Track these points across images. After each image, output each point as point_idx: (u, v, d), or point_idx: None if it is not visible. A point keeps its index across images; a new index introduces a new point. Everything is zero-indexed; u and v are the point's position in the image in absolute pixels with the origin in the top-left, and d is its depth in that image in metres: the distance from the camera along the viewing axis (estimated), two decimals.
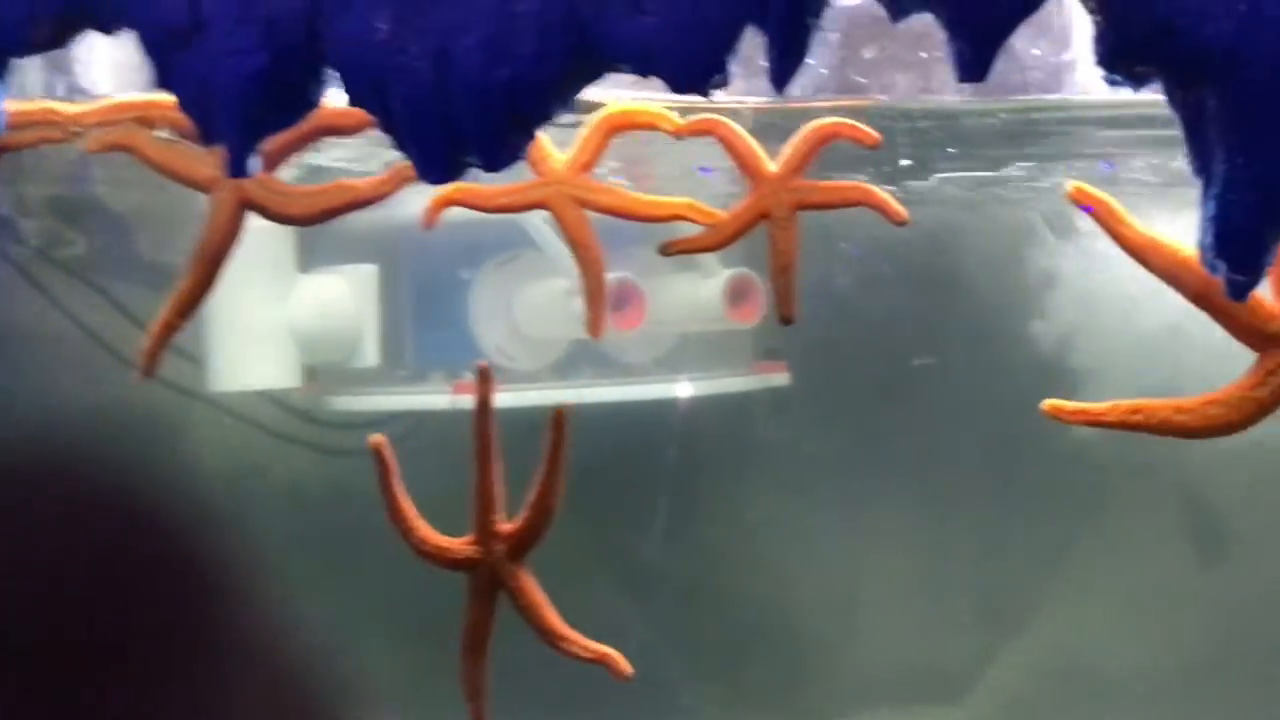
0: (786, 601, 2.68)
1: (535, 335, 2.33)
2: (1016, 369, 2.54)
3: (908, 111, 1.52)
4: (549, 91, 0.76)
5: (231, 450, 2.38)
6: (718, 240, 1.03)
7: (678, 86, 0.73)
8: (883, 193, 0.98)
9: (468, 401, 2.24)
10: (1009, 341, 2.58)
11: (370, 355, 2.23)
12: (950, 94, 1.44)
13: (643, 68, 0.74)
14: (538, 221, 2.17)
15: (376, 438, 1.07)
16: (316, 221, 1.10)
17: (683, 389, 2.38)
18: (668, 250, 1.04)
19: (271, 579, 2.32)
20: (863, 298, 2.56)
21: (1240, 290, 0.77)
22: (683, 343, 2.38)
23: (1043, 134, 1.76)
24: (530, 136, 0.78)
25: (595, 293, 1.07)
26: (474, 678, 1.05)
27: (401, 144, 0.80)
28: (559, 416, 1.06)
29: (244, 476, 2.42)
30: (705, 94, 0.73)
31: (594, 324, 1.09)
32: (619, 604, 2.64)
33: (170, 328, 1.08)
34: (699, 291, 2.32)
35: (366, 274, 2.23)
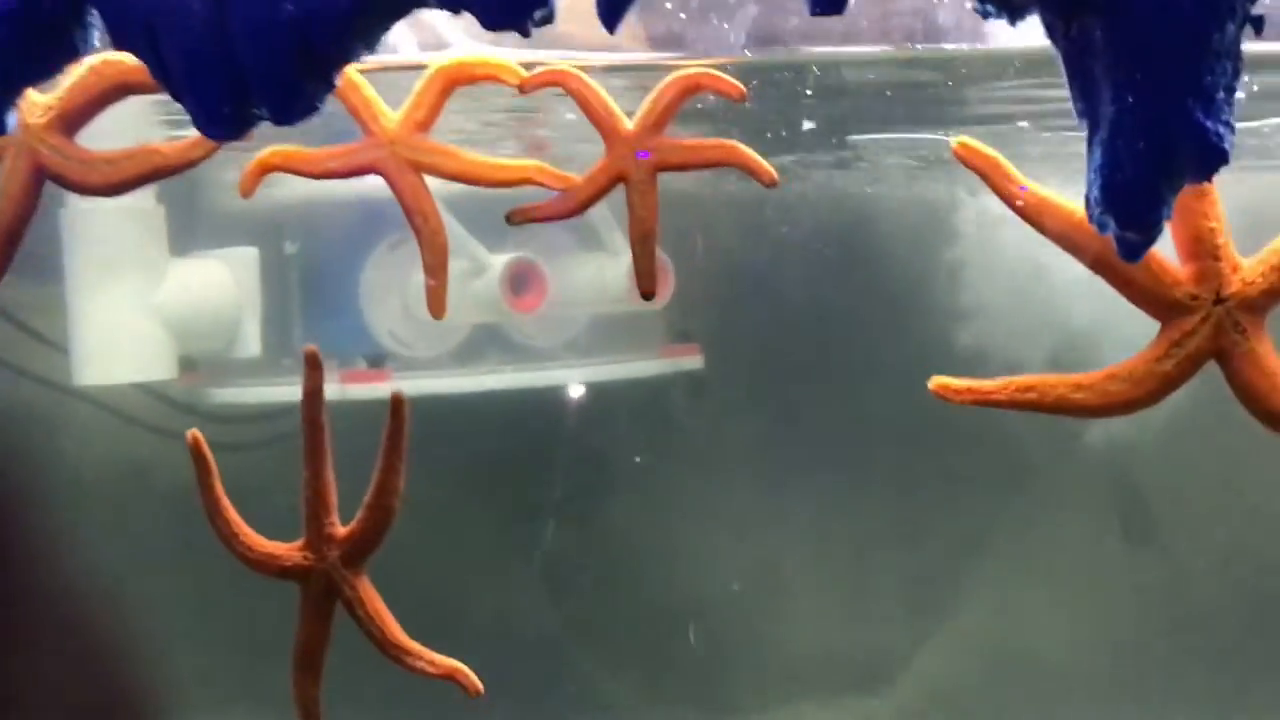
0: (704, 591, 2.61)
1: (432, 320, 2.23)
2: (938, 348, 2.48)
3: (807, 64, 1.43)
4: (344, 29, 0.66)
5: (107, 447, 2.27)
6: (569, 206, 0.93)
7: (491, 22, 0.64)
8: (749, 151, 0.89)
9: (360, 392, 2.18)
10: (928, 319, 2.51)
11: (252, 344, 2.12)
12: (852, 44, 1.33)
13: (452, 1, 0.64)
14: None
15: (193, 433, 0.97)
16: (119, 191, 0.98)
17: (591, 373, 2.30)
18: (512, 219, 0.94)
19: (145, 581, 2.24)
20: (777, 274, 2.49)
21: (1132, 250, 0.69)
22: (593, 326, 2.29)
23: (956, 89, 1.67)
24: (329, 84, 0.68)
25: (436, 269, 0.97)
26: (307, 697, 0.95)
27: (177, 94, 0.70)
28: (396, 404, 0.96)
29: (121, 474, 2.32)
30: (526, 32, 0.63)
31: (433, 302, 0.98)
32: (529, 597, 2.56)
33: None
34: (605, 272, 2.23)
35: (246, 257, 2.12)
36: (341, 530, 0.96)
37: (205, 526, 2.78)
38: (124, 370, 2.02)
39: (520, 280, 2.14)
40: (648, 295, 0.95)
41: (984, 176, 0.86)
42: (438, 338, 2.24)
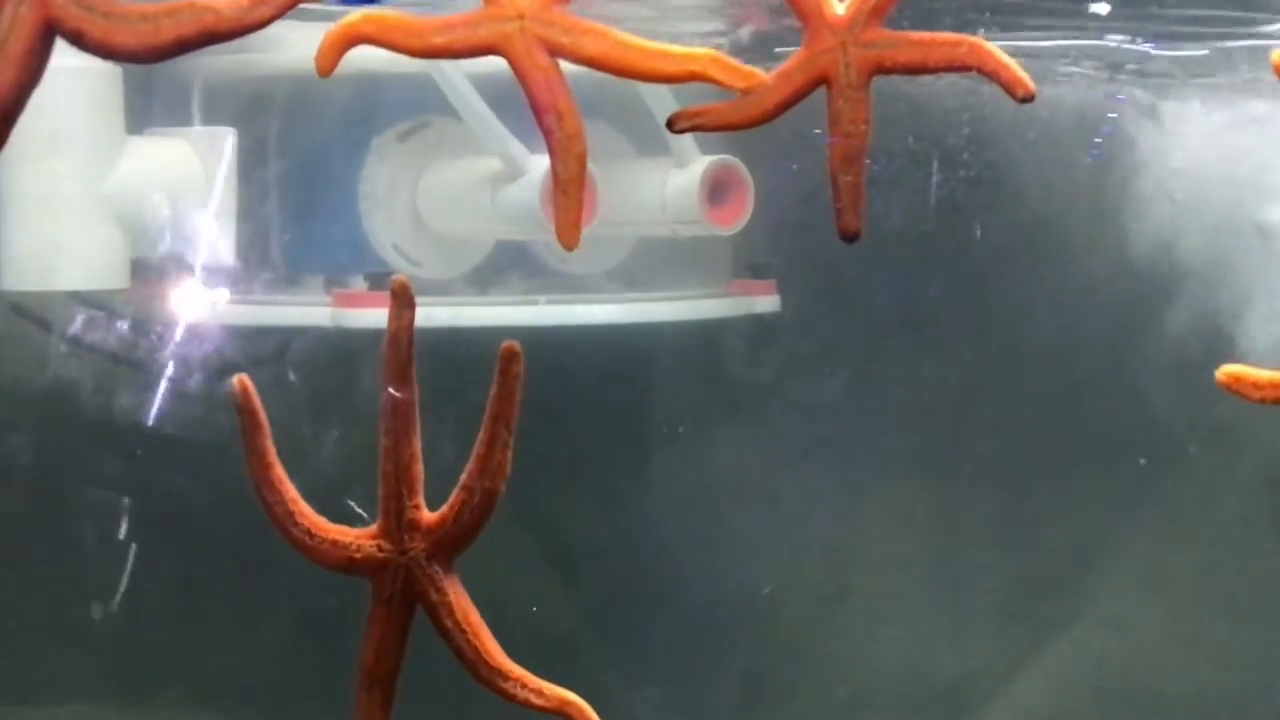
0: (758, 590, 2.60)
1: (447, 233, 2.18)
2: (1074, 305, 2.45)
3: None
4: None
5: (28, 370, 2.24)
6: (752, 114, 0.87)
7: None
8: (999, 54, 0.84)
9: (356, 319, 2.14)
10: (1066, 267, 2.48)
11: (223, 250, 2.07)
12: None
13: None
14: (455, 76, 2.01)
15: (241, 380, 0.91)
16: (155, 57, 0.92)
17: (639, 311, 2.26)
18: (678, 123, 0.89)
19: (62, 529, 2.23)
20: (884, 197, 2.44)
21: None
22: (643, 251, 2.24)
23: None
24: None
25: (569, 185, 0.91)
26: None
27: None
28: (508, 358, 0.91)
29: (42, 402, 2.29)
30: None
31: (565, 230, 0.93)
32: (542, 588, 2.54)
33: None
34: (669, 184, 2.19)
35: (220, 139, 2.06)
36: (428, 516, 0.92)
37: (141, 467, 2.76)
38: (64, 275, 1.98)
39: None
40: (848, 236, 0.90)
41: None
42: (453, 256, 2.20)
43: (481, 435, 0.92)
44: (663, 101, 2.13)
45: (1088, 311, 2.49)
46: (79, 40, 0.94)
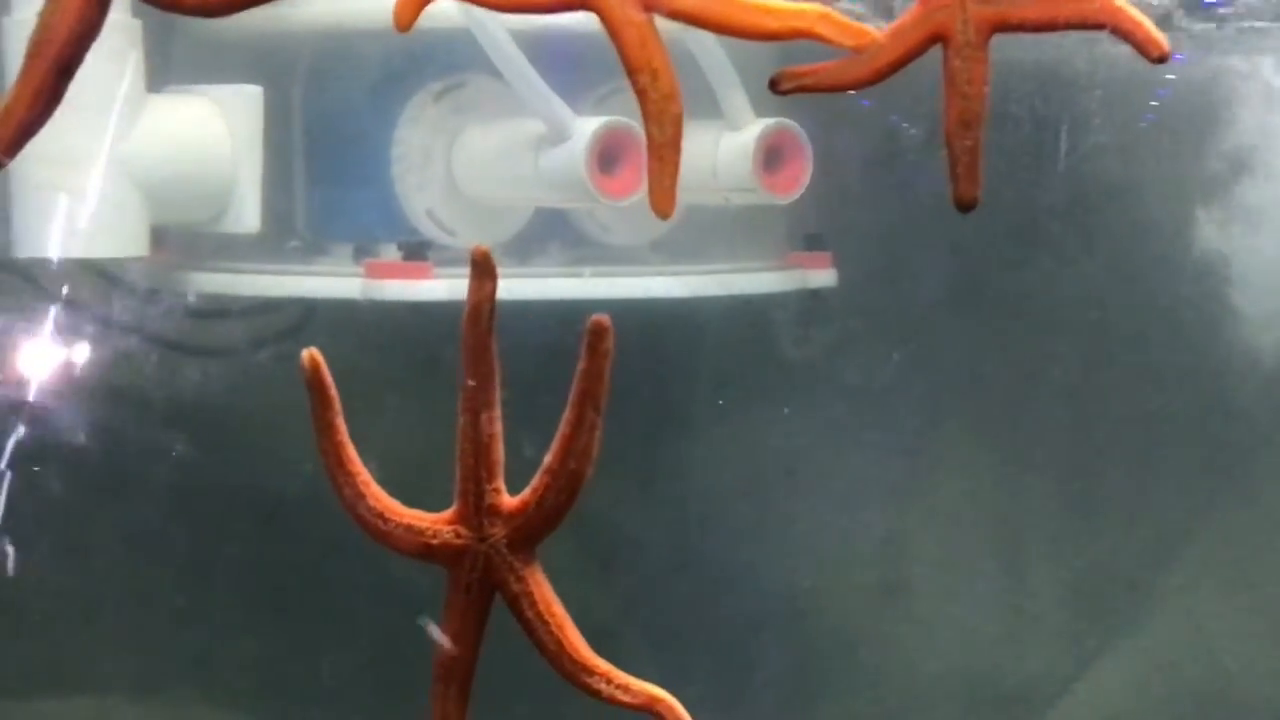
0: (809, 583, 2.61)
1: (484, 199, 2.19)
2: (1153, 283, 2.45)
3: None
4: None
5: (44, 342, 2.24)
6: (863, 73, 0.88)
7: None
8: (1134, 12, 0.84)
9: (389, 290, 2.15)
10: (1144, 241, 2.48)
11: (248, 215, 2.08)
12: None
13: None
14: (496, 30, 2.01)
15: (311, 354, 0.92)
16: (224, 10, 0.93)
17: (690, 285, 2.26)
18: (783, 83, 0.89)
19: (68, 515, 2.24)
20: (941, 167, 2.44)
21: None
22: (690, 220, 2.24)
23: None
24: None
25: (664, 150, 0.92)
26: (448, 718, 0.92)
27: None
28: (597, 333, 0.92)
29: (58, 377, 2.29)
30: None
31: (659, 198, 0.93)
32: (578, 580, 2.55)
33: None
34: (721, 148, 2.18)
35: (248, 98, 2.07)
36: (510, 501, 0.93)
37: (150, 446, 2.77)
38: (81, 242, 1.98)
39: (613, 154, 2.09)
40: (965, 204, 0.91)
41: None
42: (490, 224, 2.20)
43: (567, 415, 0.93)
44: (713, 57, 2.13)
45: (1168, 290, 2.48)
46: None
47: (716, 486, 2.63)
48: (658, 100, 0.91)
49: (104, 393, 2.34)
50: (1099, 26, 0.86)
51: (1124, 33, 0.85)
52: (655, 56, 0.91)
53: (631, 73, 0.92)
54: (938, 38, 0.88)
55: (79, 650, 2.41)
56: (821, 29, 0.89)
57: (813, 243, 2.38)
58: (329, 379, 0.93)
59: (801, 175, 2.21)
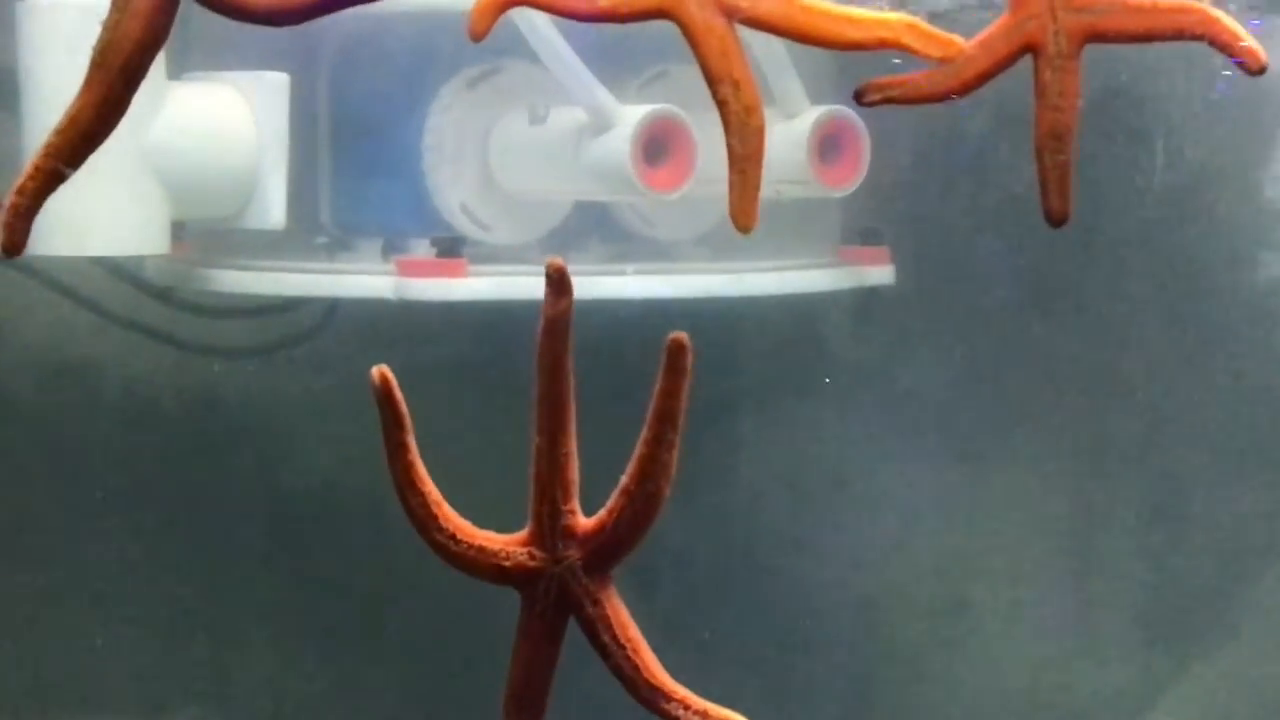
0: (863, 600, 2.65)
1: (522, 193, 2.23)
2: (1236, 282, 2.48)
3: None
4: None
5: (51, 340, 2.31)
6: (952, 85, 0.93)
7: None
8: (1229, 21, 0.89)
9: (425, 289, 2.20)
10: (1225, 236, 2.51)
11: (274, 210, 2.13)
12: None
13: None
14: (535, 13, 2.05)
15: (381, 371, 0.98)
16: (293, 19, 0.99)
17: (741, 284, 2.30)
18: (868, 95, 0.95)
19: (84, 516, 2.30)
20: (1011, 158, 2.49)
21: None
22: None
23: None
24: None
25: (745, 163, 0.98)
26: None
27: None
28: (676, 350, 0.98)
29: (64, 375, 2.36)
30: None
31: (740, 213, 0.99)
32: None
33: (49, 178, 0.98)
34: (774, 137, 2.21)
35: (273, 86, 2.12)
36: (586, 523, 0.98)
37: (159, 454, 2.82)
38: (96, 239, 2.03)
39: (659, 145, 2.14)
40: (1057, 220, 0.96)
41: None
42: (528, 219, 2.25)
43: (645, 434, 0.98)
44: (765, 40, 2.17)
45: (1253, 290, 2.52)
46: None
47: (764, 497, 2.67)
48: (739, 112, 0.97)
49: (116, 395, 2.40)
50: (1195, 37, 0.91)
51: (1221, 44, 0.90)
52: (737, 67, 0.97)
53: (712, 83, 0.98)
54: (1028, 48, 0.94)
55: (83, 666, 2.47)
56: (908, 39, 0.95)
57: (870, 237, 2.42)
58: (399, 396, 0.99)
59: (858, 166, 2.25)
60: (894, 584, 2.65)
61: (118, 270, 2.25)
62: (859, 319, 2.60)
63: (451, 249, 2.13)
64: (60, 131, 1.01)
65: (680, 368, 0.98)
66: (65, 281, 2.23)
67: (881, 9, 0.96)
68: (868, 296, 2.50)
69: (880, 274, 2.42)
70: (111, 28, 0.99)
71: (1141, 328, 2.59)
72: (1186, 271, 2.54)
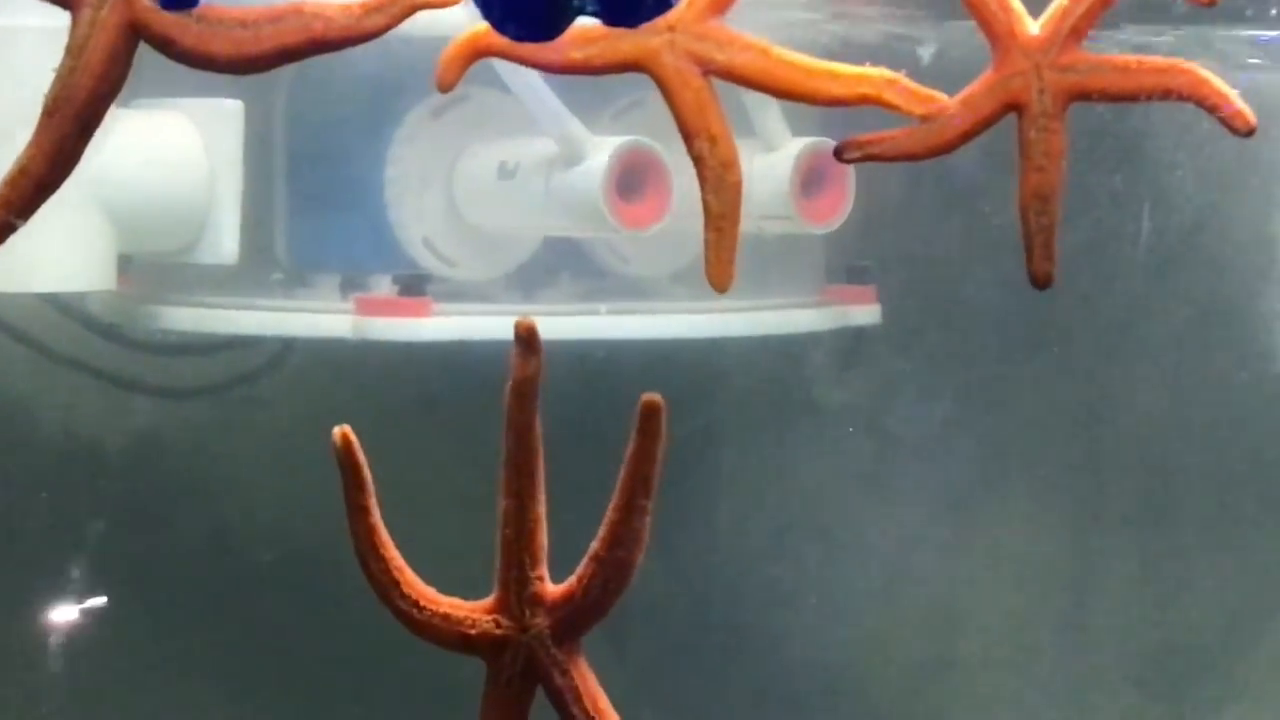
0: (848, 657, 2.67)
1: (488, 227, 2.26)
2: (1239, 321, 2.52)
3: None
4: None
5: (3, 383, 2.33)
6: (934, 143, 0.96)
7: None
8: (1216, 82, 0.93)
9: (385, 329, 2.23)
10: (1226, 275, 2.55)
11: (226, 245, 2.16)
12: None
13: None
14: None
15: (343, 431, 1.01)
16: (253, 69, 1.02)
17: (713, 324, 2.34)
18: (847, 152, 0.98)
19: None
20: (999, 196, 2.52)
21: None
22: None
23: None
24: None
25: (722, 221, 1.01)
26: None
27: None
28: (649, 412, 1.01)
29: (18, 422, 2.38)
30: None
31: (715, 271, 1.03)
32: (587, 649, 2.61)
33: (4, 224, 1.00)
34: (754, 170, 2.26)
35: (226, 113, 2.15)
36: (554, 590, 1.00)
37: (103, 498, 2.82)
38: (40, 275, 2.06)
39: (633, 178, 2.17)
40: (1041, 283, 1.00)
41: None
42: (494, 254, 2.28)
43: (616, 499, 1.01)
44: None
45: (1255, 329, 2.55)
46: (167, 48, 1.04)
47: (743, 546, 2.69)
48: (715, 168, 1.00)
49: (57, 437, 2.42)
50: (1184, 98, 0.95)
51: (1209, 106, 0.94)
52: (714, 121, 1.00)
53: (688, 138, 1.01)
54: (1012, 107, 0.97)
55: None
56: (889, 95, 0.98)
57: (855, 275, 2.45)
58: (362, 458, 1.01)
59: (843, 201, 2.28)
60: (880, 640, 2.67)
61: (62, 306, 2.27)
62: (843, 359, 2.62)
63: (414, 287, 2.15)
64: (10, 182, 1.03)
65: (654, 431, 1.01)
66: (6, 317, 2.25)
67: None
68: (855, 336, 2.52)
69: (866, 314, 2.45)
70: (65, 76, 1.02)
71: (1134, 370, 2.62)
72: (1180, 312, 2.58)
